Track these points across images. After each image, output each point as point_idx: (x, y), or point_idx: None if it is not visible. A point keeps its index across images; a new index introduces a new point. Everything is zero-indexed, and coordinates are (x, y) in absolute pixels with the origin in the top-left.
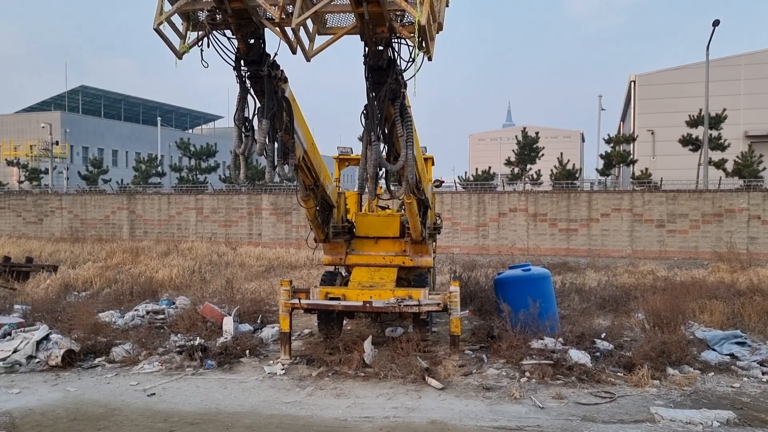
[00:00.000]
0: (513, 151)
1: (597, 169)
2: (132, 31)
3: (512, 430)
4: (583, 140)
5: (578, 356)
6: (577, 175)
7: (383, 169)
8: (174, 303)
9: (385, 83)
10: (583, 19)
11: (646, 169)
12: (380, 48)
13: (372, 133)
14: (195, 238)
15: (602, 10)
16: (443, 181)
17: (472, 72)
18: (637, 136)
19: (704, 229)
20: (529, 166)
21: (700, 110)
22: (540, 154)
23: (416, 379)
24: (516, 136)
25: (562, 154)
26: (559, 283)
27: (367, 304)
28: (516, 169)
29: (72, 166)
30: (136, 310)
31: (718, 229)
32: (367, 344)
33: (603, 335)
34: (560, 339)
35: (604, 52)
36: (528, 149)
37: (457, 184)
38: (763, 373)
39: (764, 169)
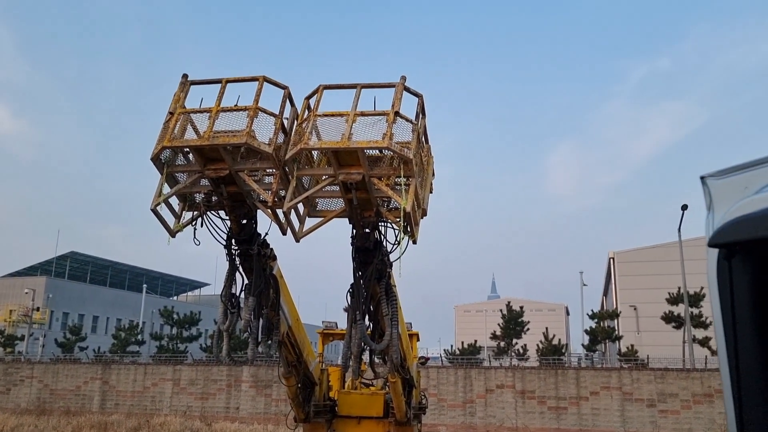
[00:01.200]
0: (498, 324)
1: (583, 345)
2: (126, 199)
3: None
4: (567, 314)
5: None
6: (563, 351)
7: (369, 348)
8: None
9: (371, 263)
10: (562, 198)
11: (632, 345)
12: (367, 231)
13: (357, 312)
14: (169, 411)
15: (580, 190)
16: (428, 359)
17: (457, 244)
18: (620, 312)
19: (696, 410)
20: (515, 341)
21: (679, 288)
22: (525, 328)
23: None
24: (501, 310)
25: (547, 329)
26: None
27: None
28: (502, 344)
29: (50, 333)
30: None
31: (710, 410)
32: None
33: None
34: None
35: (583, 229)
36: (513, 323)
37: (443, 358)
38: None
39: None
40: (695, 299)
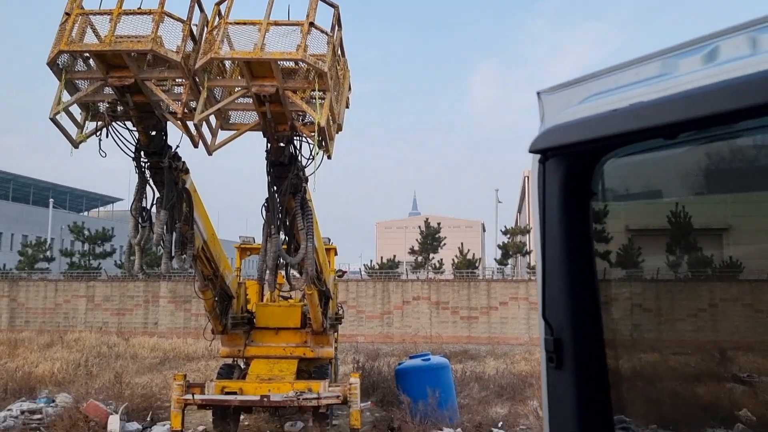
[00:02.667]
0: (417, 240)
1: (496, 259)
2: (26, 109)
3: None
4: (483, 230)
5: None
6: (477, 265)
7: (284, 261)
8: (54, 401)
9: (286, 178)
10: (483, 117)
11: None
12: (282, 145)
13: (273, 226)
14: (84, 327)
15: (500, 109)
16: (345, 272)
17: (381, 162)
18: (531, 228)
19: None
20: (432, 255)
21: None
22: (442, 243)
23: None
24: (420, 226)
25: (462, 244)
26: (459, 371)
27: (265, 399)
28: (420, 258)
29: None
30: (9, 410)
31: (605, 317)
32: None
33: (500, 424)
34: (459, 429)
35: (502, 147)
36: (431, 239)
37: (363, 272)
38: None
39: (643, 260)
40: (599, 214)
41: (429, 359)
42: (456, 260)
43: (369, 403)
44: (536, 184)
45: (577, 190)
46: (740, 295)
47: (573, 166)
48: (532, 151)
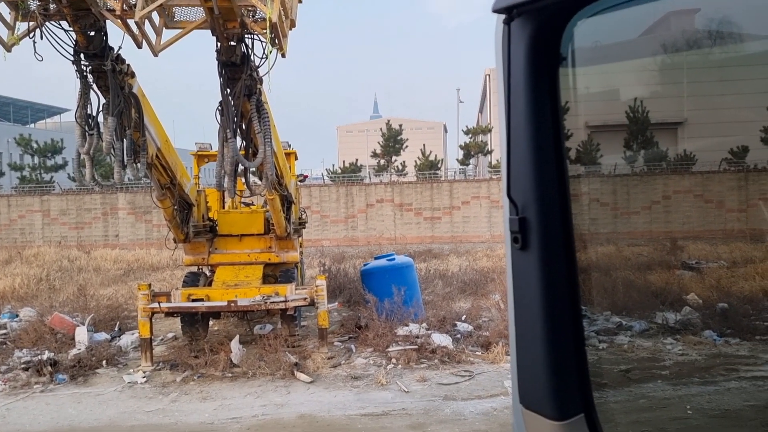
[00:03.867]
0: (379, 143)
1: (458, 160)
2: None
3: (379, 415)
4: (445, 131)
5: (440, 339)
6: (439, 166)
7: (243, 166)
8: (17, 316)
9: (239, 79)
10: (441, 16)
11: None
12: (233, 44)
13: (228, 130)
14: (42, 243)
15: (458, 7)
16: (307, 176)
17: (339, 65)
18: (492, 127)
19: None
20: (394, 158)
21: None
22: (405, 145)
23: (285, 375)
24: (381, 129)
25: (425, 145)
26: (423, 270)
27: (232, 304)
28: (382, 161)
29: None
30: None
31: None
32: (234, 344)
33: (464, 318)
34: (424, 324)
35: (462, 46)
36: (393, 141)
37: (326, 177)
38: (600, 342)
39: (602, 156)
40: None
41: (393, 259)
42: (418, 162)
43: (336, 303)
44: (500, 50)
45: (546, 54)
46: (692, 187)
47: (541, 26)
48: (495, 10)
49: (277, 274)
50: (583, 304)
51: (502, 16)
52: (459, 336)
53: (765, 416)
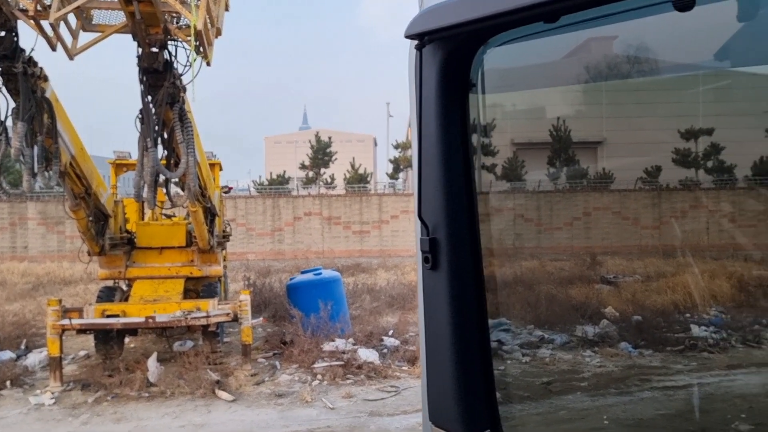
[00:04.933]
0: (307, 155)
1: (387, 173)
2: None
3: None
4: (375, 144)
5: (367, 355)
6: (368, 179)
7: (164, 177)
8: None
9: (161, 87)
10: (373, 29)
11: None
12: (155, 50)
13: (149, 139)
14: None
15: (390, 22)
16: (232, 188)
17: (269, 74)
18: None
19: (479, 228)
20: (323, 170)
21: (474, 119)
22: (334, 158)
23: (206, 394)
24: (310, 140)
25: (354, 158)
26: (351, 284)
27: (150, 320)
28: (311, 173)
29: None
30: None
31: (490, 227)
32: (152, 362)
33: (391, 332)
34: (351, 339)
35: (394, 59)
36: (322, 153)
37: (252, 189)
38: (523, 355)
39: (526, 173)
40: (485, 129)
41: (320, 273)
42: (348, 175)
43: (261, 319)
44: (413, 74)
45: (456, 80)
46: (611, 204)
47: (452, 53)
48: (407, 36)
49: (199, 288)
50: (508, 318)
51: (415, 42)
52: (386, 351)
53: (675, 424)
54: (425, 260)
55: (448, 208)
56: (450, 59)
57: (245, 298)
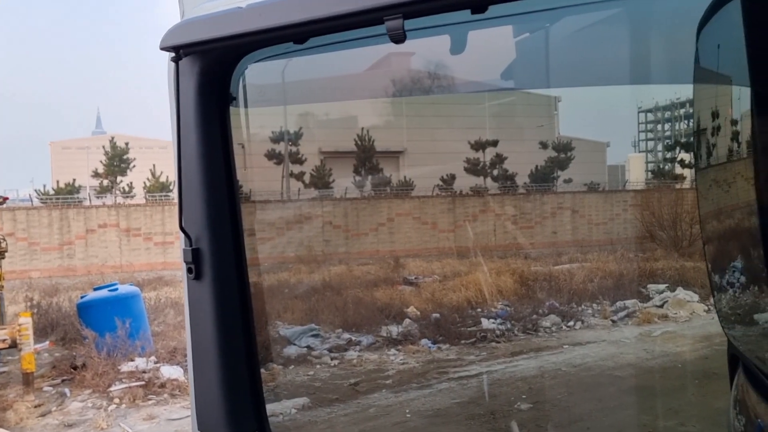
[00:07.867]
0: (102, 162)
1: None
2: None
3: None
4: None
5: (170, 372)
6: (171, 188)
7: None
8: None
9: None
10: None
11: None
12: None
13: None
14: None
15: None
16: (7, 198)
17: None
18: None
19: (288, 235)
20: (120, 179)
21: (281, 127)
22: (132, 165)
23: None
24: (104, 146)
25: (155, 165)
26: (153, 298)
27: None
28: (105, 182)
29: None
30: None
31: (300, 234)
32: None
33: None
34: (152, 357)
35: None
36: (118, 160)
37: (35, 199)
38: (332, 359)
39: (333, 180)
40: (296, 137)
41: (117, 289)
42: (148, 183)
43: (47, 343)
44: (170, 85)
45: (215, 94)
46: (412, 210)
47: (210, 66)
48: (162, 48)
49: None
50: (317, 323)
51: (172, 54)
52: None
53: (468, 410)
54: (189, 270)
55: (209, 218)
56: (207, 73)
57: (26, 321)
